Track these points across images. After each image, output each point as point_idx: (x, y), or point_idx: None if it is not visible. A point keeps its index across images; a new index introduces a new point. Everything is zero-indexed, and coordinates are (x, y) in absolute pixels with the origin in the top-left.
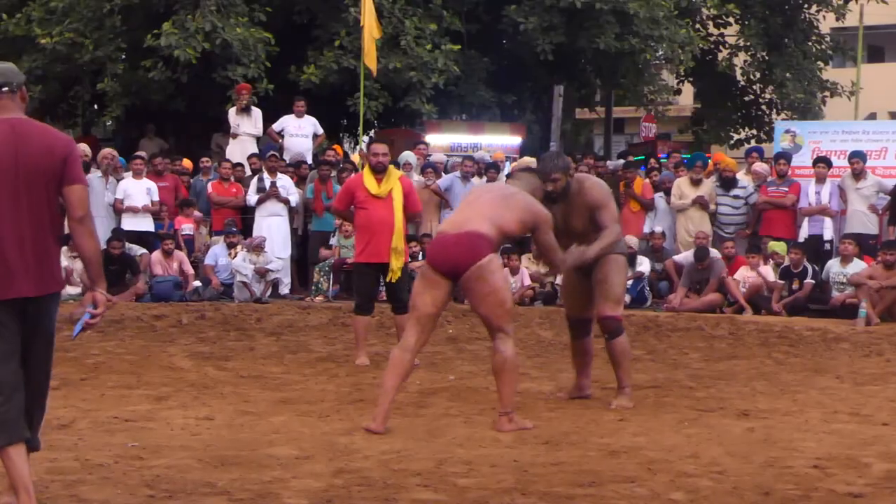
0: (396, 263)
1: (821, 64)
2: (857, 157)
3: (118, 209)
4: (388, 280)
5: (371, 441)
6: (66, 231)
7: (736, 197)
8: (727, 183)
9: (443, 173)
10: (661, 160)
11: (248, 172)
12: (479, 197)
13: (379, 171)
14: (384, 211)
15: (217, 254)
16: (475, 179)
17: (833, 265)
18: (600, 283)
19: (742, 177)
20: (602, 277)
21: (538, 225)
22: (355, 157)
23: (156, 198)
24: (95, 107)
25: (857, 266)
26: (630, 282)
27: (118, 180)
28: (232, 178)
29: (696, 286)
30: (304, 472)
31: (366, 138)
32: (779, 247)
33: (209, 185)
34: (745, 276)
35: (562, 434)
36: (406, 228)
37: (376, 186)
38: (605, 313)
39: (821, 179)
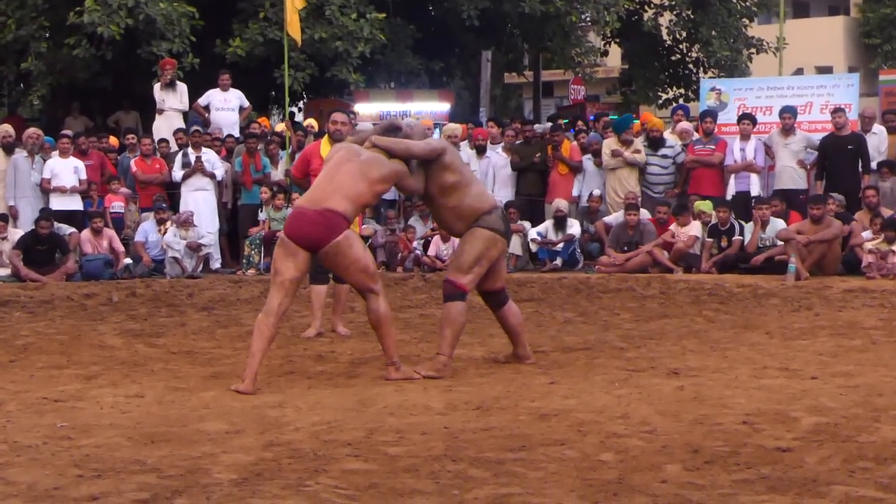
0: None
1: (746, 21)
2: (787, 112)
3: (45, 188)
4: None
5: (301, 413)
6: None
7: (664, 156)
8: (654, 143)
9: None
10: (590, 120)
11: (175, 148)
12: (339, 169)
13: (336, 141)
14: None
15: (147, 230)
16: None
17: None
18: (455, 252)
19: (669, 136)
20: (458, 247)
21: (397, 183)
22: (280, 127)
23: (83, 176)
24: (21, 86)
25: (777, 226)
26: (561, 244)
27: (45, 160)
28: (158, 154)
29: (625, 248)
30: (234, 446)
31: (293, 110)
32: (705, 206)
33: (132, 162)
34: (677, 233)
35: (492, 399)
36: None
37: None
38: (446, 276)
39: (745, 136)
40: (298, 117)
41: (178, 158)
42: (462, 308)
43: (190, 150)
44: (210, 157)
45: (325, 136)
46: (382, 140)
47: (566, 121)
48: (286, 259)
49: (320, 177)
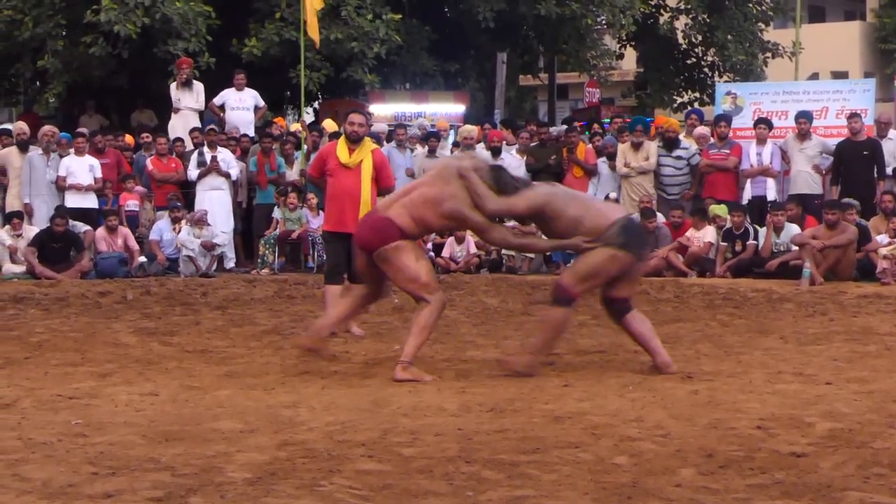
0: None
1: (762, 25)
2: (803, 118)
3: (61, 186)
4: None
5: (315, 413)
6: (10, 209)
7: (678, 158)
8: (669, 143)
9: (384, 142)
10: (604, 124)
11: (190, 147)
12: (418, 188)
13: (353, 141)
14: (351, 181)
15: (161, 229)
16: (419, 148)
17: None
18: (576, 258)
19: (682, 138)
20: (580, 256)
21: (463, 223)
22: (295, 127)
23: (98, 175)
24: (37, 84)
25: (791, 230)
26: None
27: (62, 156)
28: (174, 154)
29: None
30: (249, 445)
31: (308, 110)
32: (720, 210)
33: (148, 161)
34: (692, 237)
35: (506, 401)
36: (374, 201)
37: (347, 156)
38: (560, 279)
39: (762, 141)
40: (310, 119)
41: (194, 157)
42: (567, 315)
43: (205, 149)
44: (225, 157)
45: (342, 137)
46: (471, 178)
47: (585, 122)
48: (359, 256)
49: (405, 186)
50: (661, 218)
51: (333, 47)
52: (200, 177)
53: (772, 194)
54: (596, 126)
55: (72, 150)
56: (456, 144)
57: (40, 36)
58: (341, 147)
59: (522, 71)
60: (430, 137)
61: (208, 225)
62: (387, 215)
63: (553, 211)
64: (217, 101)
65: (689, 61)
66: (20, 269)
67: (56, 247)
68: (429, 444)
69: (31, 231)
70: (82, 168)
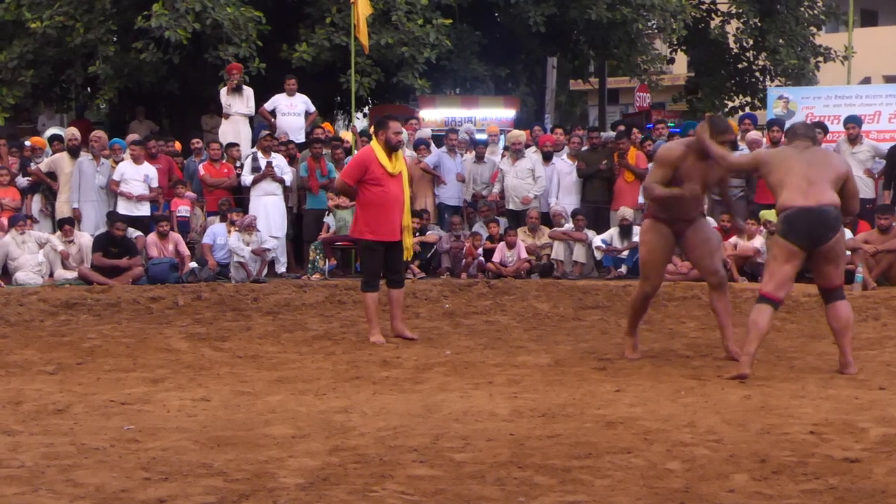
0: (410, 241)
1: (813, 29)
2: (853, 123)
3: (113, 190)
4: (405, 258)
5: (367, 418)
6: (60, 216)
7: None
8: (731, 147)
9: (434, 148)
10: (648, 128)
11: (246, 153)
12: None
13: (394, 150)
14: (398, 189)
15: (216, 233)
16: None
17: None
18: None
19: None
20: None
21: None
22: (346, 134)
23: (154, 185)
24: (88, 90)
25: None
26: (626, 252)
27: (117, 161)
28: (225, 159)
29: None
30: (301, 450)
31: (359, 115)
32: (770, 215)
33: (200, 166)
34: (738, 243)
35: (558, 406)
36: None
37: (391, 164)
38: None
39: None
40: (361, 123)
41: (248, 163)
42: (760, 311)
43: (259, 154)
44: (280, 163)
45: (379, 144)
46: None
47: (624, 123)
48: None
49: None
50: (711, 222)
51: (384, 52)
52: (255, 182)
53: None
54: (636, 131)
55: (125, 156)
56: (506, 149)
57: (91, 42)
58: (382, 155)
59: (573, 75)
60: (479, 144)
61: (257, 231)
62: None
63: (767, 174)
64: (268, 106)
65: (740, 65)
66: (72, 274)
67: (114, 251)
68: (481, 449)
69: (81, 237)
70: (137, 176)
